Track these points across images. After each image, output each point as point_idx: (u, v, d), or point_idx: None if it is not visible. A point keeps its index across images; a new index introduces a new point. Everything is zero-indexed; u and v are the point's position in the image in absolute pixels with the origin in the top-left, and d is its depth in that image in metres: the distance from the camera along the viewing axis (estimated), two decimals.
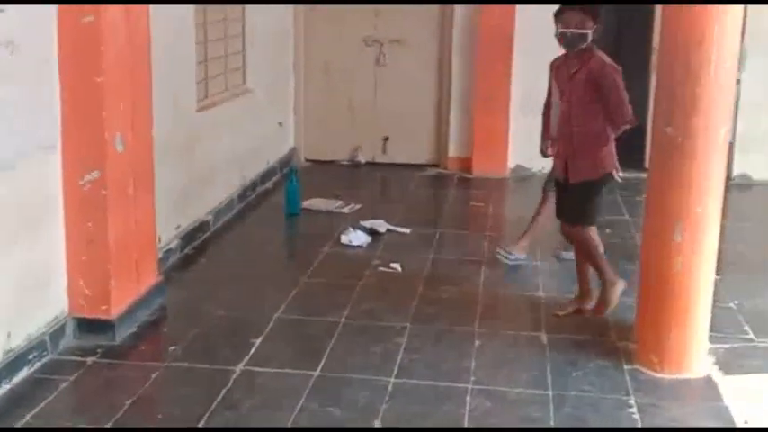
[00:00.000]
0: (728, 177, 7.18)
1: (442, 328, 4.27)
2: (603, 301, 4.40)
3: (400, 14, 7.69)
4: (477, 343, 4.08)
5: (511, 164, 7.60)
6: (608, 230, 5.81)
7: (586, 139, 4.28)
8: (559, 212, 4.56)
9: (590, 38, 4.22)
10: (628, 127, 4.25)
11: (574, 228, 4.42)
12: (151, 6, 4.31)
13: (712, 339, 3.95)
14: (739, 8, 3.59)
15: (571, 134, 4.32)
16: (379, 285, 4.90)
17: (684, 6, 3.56)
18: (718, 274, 4.45)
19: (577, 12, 4.20)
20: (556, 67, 4.49)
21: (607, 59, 4.27)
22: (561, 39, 4.27)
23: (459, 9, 7.47)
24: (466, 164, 7.63)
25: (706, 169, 3.64)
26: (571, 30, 4.20)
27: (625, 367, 3.82)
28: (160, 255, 4.77)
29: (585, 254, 4.44)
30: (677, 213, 3.68)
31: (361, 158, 7.93)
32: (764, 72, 7.15)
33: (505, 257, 5.24)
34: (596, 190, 4.38)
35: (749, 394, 3.65)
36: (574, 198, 4.37)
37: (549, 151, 4.58)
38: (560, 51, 4.39)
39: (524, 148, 7.49)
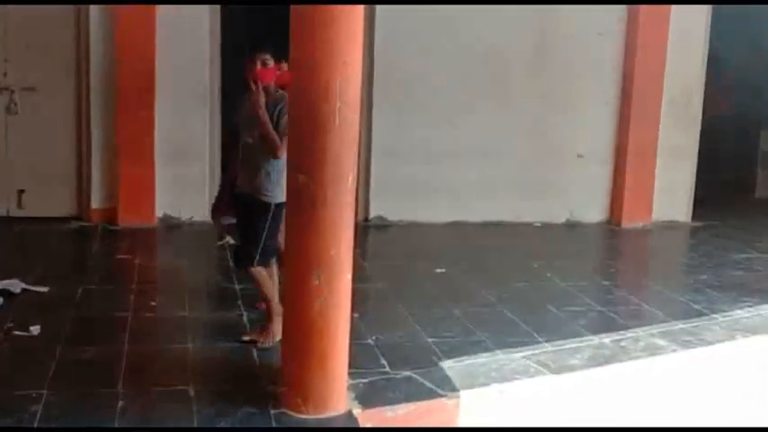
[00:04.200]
0: (366, 219, 7.80)
1: (82, 392, 4.01)
2: None
3: (33, 60, 7.26)
4: (120, 404, 3.89)
5: (158, 213, 7.45)
6: None
7: None
8: None
9: None
10: None
11: None
12: None
13: (353, 375, 4.14)
14: (359, 61, 3.84)
15: None
16: (12, 351, 4.51)
17: (309, 59, 3.74)
18: (357, 311, 4.72)
19: None
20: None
21: None
22: None
23: (94, 55, 7.22)
24: (111, 215, 7.35)
25: (337, 214, 3.82)
26: None
27: (272, 412, 3.86)
28: None
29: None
30: (314, 257, 3.82)
31: None
32: (394, 121, 7.75)
33: None
34: None
35: (386, 424, 3.88)
36: None
37: None
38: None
39: (172, 197, 7.43)
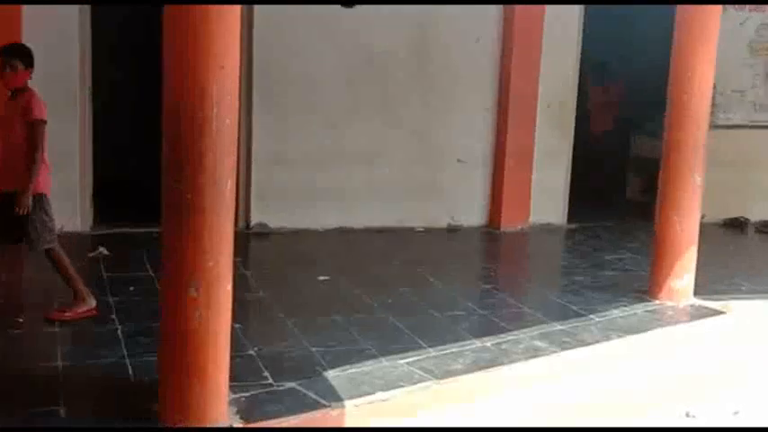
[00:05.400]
0: (247, 226, 7.65)
1: None
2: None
3: None
4: None
5: None
6: (132, 288, 5.70)
7: None
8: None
9: None
10: None
11: None
12: None
13: (234, 389, 4.02)
14: (236, 64, 3.72)
15: None
16: None
17: (184, 62, 3.60)
18: (239, 322, 4.61)
19: None
20: None
21: None
22: None
23: None
24: None
25: (215, 223, 3.70)
26: None
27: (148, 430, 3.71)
28: None
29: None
30: (191, 268, 3.69)
31: None
32: (275, 126, 7.64)
33: None
34: None
35: None
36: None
37: None
38: None
39: None
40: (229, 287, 3.82)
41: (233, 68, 3.70)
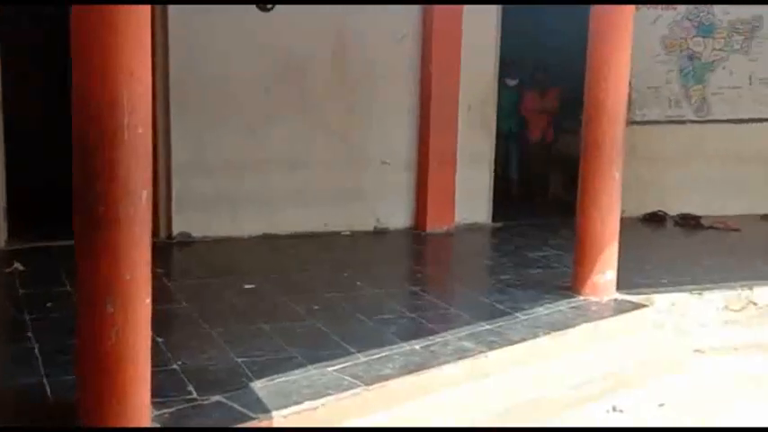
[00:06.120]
0: (169, 236, 7.49)
1: None
2: None
3: None
4: None
5: None
6: (49, 304, 5.51)
7: None
8: None
9: None
10: None
11: None
12: None
13: (157, 405, 3.91)
14: (148, 70, 3.60)
15: None
16: None
17: (92, 68, 3.48)
18: (161, 335, 4.49)
19: None
20: None
21: None
22: None
23: None
24: None
25: (131, 235, 3.57)
26: None
27: None
28: None
29: None
30: (106, 283, 3.56)
31: None
32: (195, 133, 7.49)
33: None
34: None
35: None
36: None
37: None
38: None
39: None
40: (148, 300, 3.70)
41: (144, 74, 3.58)
